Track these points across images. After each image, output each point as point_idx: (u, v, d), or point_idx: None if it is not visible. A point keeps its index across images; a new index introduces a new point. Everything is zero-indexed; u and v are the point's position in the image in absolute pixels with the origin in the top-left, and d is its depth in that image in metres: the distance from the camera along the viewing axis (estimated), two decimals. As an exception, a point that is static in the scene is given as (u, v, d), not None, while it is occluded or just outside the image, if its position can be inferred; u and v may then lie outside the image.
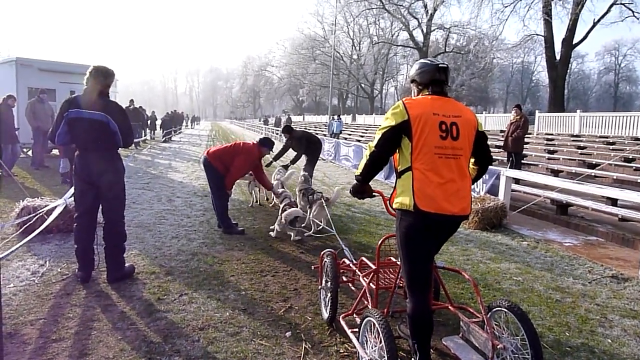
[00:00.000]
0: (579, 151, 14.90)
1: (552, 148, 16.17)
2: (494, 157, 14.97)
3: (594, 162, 12.83)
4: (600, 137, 16.52)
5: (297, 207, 6.64)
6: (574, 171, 12.04)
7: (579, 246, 6.70)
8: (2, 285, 4.25)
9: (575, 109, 29.35)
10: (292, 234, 6.29)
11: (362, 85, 61.71)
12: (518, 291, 4.71)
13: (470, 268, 5.41)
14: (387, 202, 3.30)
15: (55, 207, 5.68)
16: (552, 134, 19.22)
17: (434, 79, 2.81)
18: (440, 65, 2.82)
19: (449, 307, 3.20)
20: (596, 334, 3.78)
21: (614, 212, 7.51)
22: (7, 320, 3.59)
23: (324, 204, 6.50)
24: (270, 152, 7.20)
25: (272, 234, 6.49)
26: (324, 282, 3.90)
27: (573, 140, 16.90)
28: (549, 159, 14.87)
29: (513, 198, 8.91)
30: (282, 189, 7.41)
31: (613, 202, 8.07)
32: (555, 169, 12.85)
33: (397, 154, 2.80)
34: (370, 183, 2.98)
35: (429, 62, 2.88)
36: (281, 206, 6.64)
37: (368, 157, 2.76)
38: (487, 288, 4.74)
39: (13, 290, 4.21)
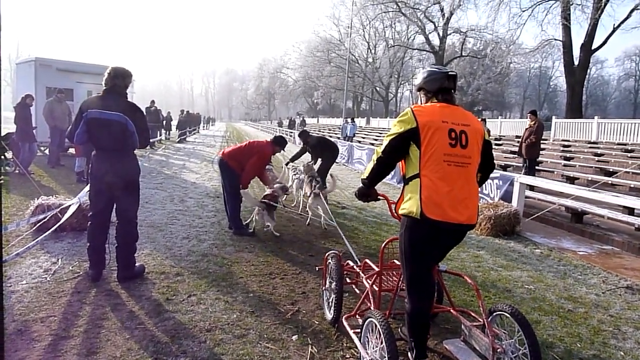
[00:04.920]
0: (596, 158, 14.68)
1: (568, 155, 15.96)
2: (509, 163, 14.89)
3: (611, 170, 12.63)
4: (619, 144, 16.23)
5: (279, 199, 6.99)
6: (590, 178, 11.88)
7: (594, 255, 6.59)
8: (14, 282, 4.33)
9: (594, 115, 28.89)
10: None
11: (377, 88, 61.47)
12: (529, 300, 4.64)
13: (481, 275, 5.36)
14: (392, 206, 3.31)
15: (69, 205, 5.77)
16: (568, 141, 18.96)
17: (443, 87, 2.82)
18: (449, 73, 2.82)
19: (451, 310, 3.22)
20: (609, 346, 3.71)
21: (631, 222, 7.38)
22: (18, 317, 3.64)
23: (320, 194, 6.77)
24: (283, 150, 7.30)
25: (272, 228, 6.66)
26: (327, 283, 3.93)
27: (590, 147, 16.64)
28: (564, 165, 14.68)
29: (527, 205, 8.81)
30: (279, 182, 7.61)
31: (630, 211, 7.94)
32: (571, 176, 12.69)
33: (403, 161, 2.80)
34: (383, 186, 3.01)
35: (437, 69, 2.88)
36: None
37: (375, 162, 2.78)
38: (497, 296, 4.68)
39: (25, 287, 4.26)
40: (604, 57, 77.87)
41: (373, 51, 62.12)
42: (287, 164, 9.82)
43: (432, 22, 47.17)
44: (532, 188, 9.78)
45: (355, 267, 3.98)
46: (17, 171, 10.49)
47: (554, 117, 22.93)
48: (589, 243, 7.31)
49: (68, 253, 5.32)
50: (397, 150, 2.71)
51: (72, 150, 13.68)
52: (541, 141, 12.33)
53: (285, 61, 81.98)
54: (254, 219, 6.76)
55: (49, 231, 4.93)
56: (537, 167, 13.62)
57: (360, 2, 48.44)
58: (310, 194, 7.09)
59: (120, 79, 4.44)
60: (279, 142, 7.01)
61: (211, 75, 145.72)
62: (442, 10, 45.32)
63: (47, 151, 13.99)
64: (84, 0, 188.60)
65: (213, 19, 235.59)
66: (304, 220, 6.82)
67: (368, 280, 3.52)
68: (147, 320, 3.73)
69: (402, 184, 2.87)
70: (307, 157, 9.98)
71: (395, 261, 3.87)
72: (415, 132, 2.63)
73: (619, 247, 7.01)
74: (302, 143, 9.82)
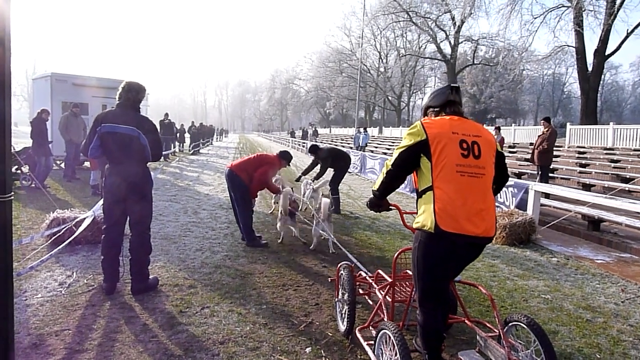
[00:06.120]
0: (612, 165, 14.48)
1: (584, 161, 15.76)
2: (524, 170, 14.72)
3: (627, 176, 12.44)
4: (635, 150, 16.00)
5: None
6: (606, 185, 11.71)
7: (612, 263, 6.47)
8: (30, 295, 4.38)
9: (609, 121, 28.53)
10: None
11: (389, 97, 61.51)
12: (546, 310, 4.56)
13: (497, 285, 5.28)
14: (404, 215, 3.28)
15: (84, 218, 5.83)
16: (584, 147, 18.74)
17: (449, 100, 2.83)
18: (452, 85, 2.87)
19: (466, 321, 3.17)
20: (629, 357, 3.62)
21: (649, 229, 7.24)
22: (33, 330, 3.67)
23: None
24: (289, 165, 7.42)
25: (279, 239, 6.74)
26: (340, 294, 3.91)
27: (606, 154, 16.43)
28: (580, 172, 14.49)
29: (542, 213, 8.70)
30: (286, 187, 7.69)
31: (648, 217, 7.79)
32: (587, 183, 12.51)
33: (415, 174, 2.76)
34: (395, 195, 3.00)
35: (440, 86, 2.92)
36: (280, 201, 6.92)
37: (385, 174, 2.76)
38: (513, 306, 4.60)
39: (40, 300, 4.30)
40: (618, 62, 77.22)
41: (385, 61, 62.24)
42: (298, 179, 9.90)
43: (443, 30, 47.20)
44: (547, 196, 9.66)
45: (368, 278, 3.96)
46: (32, 185, 10.64)
47: (568, 123, 22.70)
48: (606, 251, 7.18)
49: (83, 266, 5.36)
50: (407, 163, 2.69)
51: (87, 164, 13.88)
52: (554, 148, 12.19)
53: (297, 72, 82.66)
54: (280, 233, 6.93)
55: (64, 244, 4.98)
56: (552, 175, 13.47)
57: (371, 12, 48.74)
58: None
59: (133, 93, 4.50)
60: (285, 157, 7.23)
61: (224, 87, 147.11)
62: (453, 18, 45.36)
63: (62, 165, 14.20)
64: (99, 16, 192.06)
65: (225, 31, 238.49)
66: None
67: (381, 291, 3.49)
68: (161, 333, 3.74)
69: (416, 197, 2.84)
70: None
71: (408, 271, 3.84)
72: (425, 145, 2.61)
73: (638, 254, 6.87)
74: (312, 156, 9.89)
